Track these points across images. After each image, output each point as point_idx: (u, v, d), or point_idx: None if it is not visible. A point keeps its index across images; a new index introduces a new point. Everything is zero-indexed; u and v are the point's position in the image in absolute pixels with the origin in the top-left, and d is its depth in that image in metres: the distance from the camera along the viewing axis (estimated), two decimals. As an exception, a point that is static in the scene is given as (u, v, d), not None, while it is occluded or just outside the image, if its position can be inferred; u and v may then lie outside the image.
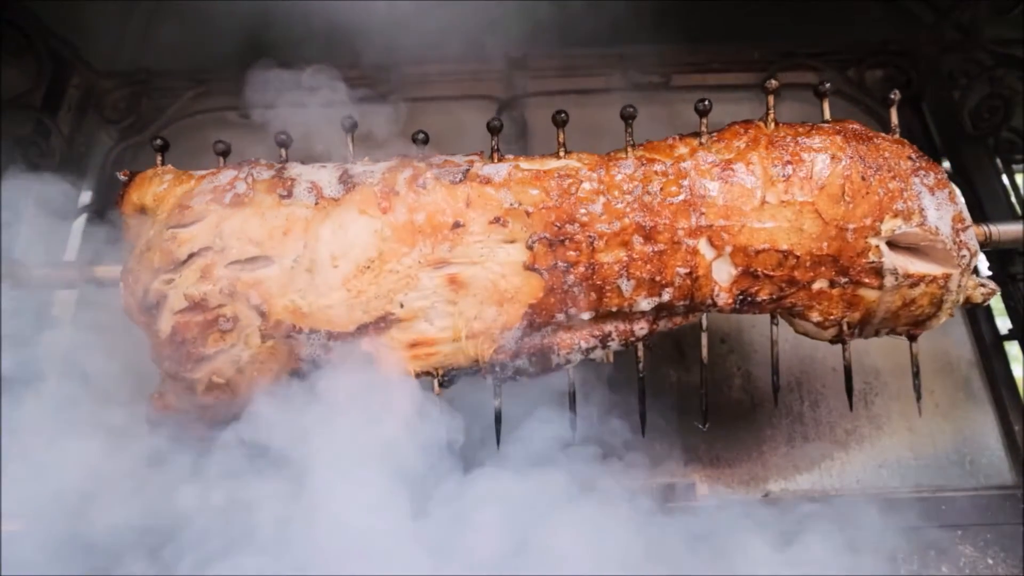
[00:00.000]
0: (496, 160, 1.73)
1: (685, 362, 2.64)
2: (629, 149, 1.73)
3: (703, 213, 1.65)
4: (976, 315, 2.66)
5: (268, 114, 2.25)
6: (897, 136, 1.78)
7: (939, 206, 1.68)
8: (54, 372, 1.98)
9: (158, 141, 1.83)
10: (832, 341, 1.82)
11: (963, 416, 2.53)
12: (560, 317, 1.69)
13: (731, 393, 2.60)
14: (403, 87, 3.07)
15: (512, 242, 1.65)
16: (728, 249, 1.66)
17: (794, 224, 1.65)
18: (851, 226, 1.65)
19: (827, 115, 1.80)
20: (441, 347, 1.70)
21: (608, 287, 1.66)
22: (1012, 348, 2.59)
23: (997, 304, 2.57)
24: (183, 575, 1.62)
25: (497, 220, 1.64)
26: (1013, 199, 2.67)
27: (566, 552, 1.65)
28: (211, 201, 1.66)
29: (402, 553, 1.56)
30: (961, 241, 1.69)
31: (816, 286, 1.70)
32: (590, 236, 1.64)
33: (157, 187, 1.73)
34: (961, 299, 1.76)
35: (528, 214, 1.64)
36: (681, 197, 1.66)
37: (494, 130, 1.76)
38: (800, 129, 1.72)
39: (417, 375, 1.73)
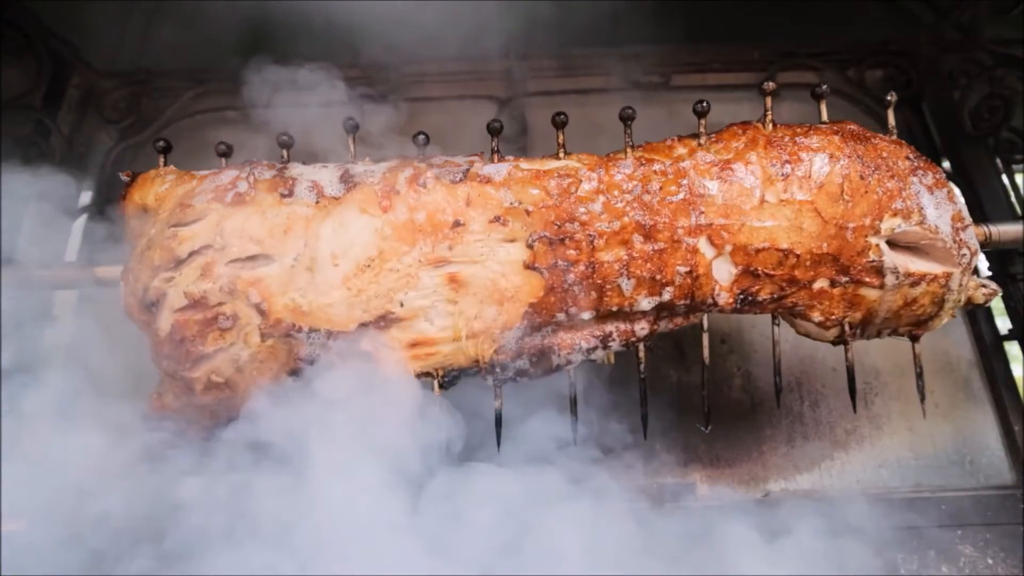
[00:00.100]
0: (496, 160, 1.74)
1: (685, 362, 2.64)
2: (628, 150, 1.74)
3: (702, 212, 1.65)
4: (976, 315, 2.67)
5: (267, 113, 2.25)
6: (895, 137, 1.78)
7: (938, 205, 1.68)
8: (54, 372, 1.98)
9: (160, 143, 1.83)
10: (834, 342, 1.82)
11: (963, 416, 2.54)
12: (561, 316, 1.69)
13: (731, 393, 2.61)
14: (403, 86, 3.07)
15: (512, 241, 1.65)
16: (728, 248, 1.66)
17: (794, 223, 1.66)
18: (851, 225, 1.65)
19: (824, 116, 1.80)
20: (441, 347, 1.70)
21: (608, 286, 1.66)
22: (1012, 348, 2.59)
23: (997, 304, 2.57)
24: (183, 575, 1.61)
25: (497, 219, 1.64)
26: (1013, 199, 2.68)
27: (566, 552, 1.65)
28: (212, 200, 1.66)
29: (402, 553, 1.56)
30: (961, 240, 1.69)
31: (817, 285, 1.71)
32: (590, 235, 1.64)
33: (159, 187, 1.74)
34: (963, 299, 1.77)
35: (528, 213, 1.64)
36: (680, 196, 1.66)
37: (494, 131, 1.76)
38: (798, 129, 1.73)
39: (417, 376, 1.72)
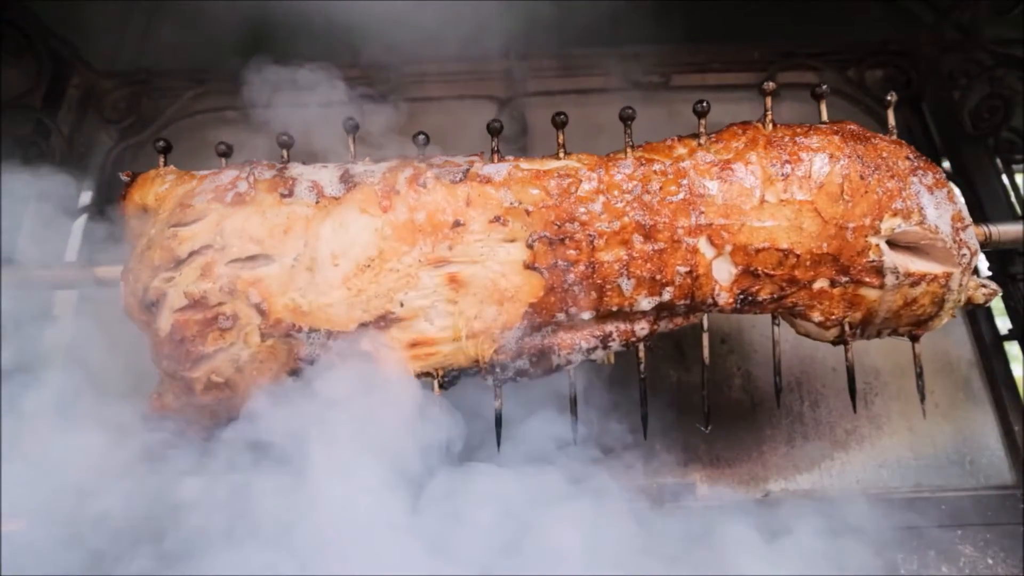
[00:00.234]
0: (496, 160, 1.74)
1: (685, 362, 2.64)
2: (628, 150, 1.74)
3: (702, 212, 1.65)
4: (976, 315, 2.67)
5: (267, 113, 2.25)
6: (895, 137, 1.78)
7: (938, 205, 1.68)
8: (54, 372, 1.98)
9: (161, 143, 1.83)
10: (834, 342, 1.82)
11: (963, 416, 2.53)
12: (561, 316, 1.69)
13: (731, 393, 2.61)
14: (403, 86, 3.07)
15: (512, 241, 1.65)
16: (728, 248, 1.66)
17: (794, 223, 1.66)
18: (851, 225, 1.65)
19: (824, 116, 1.80)
20: (441, 347, 1.70)
21: (608, 286, 1.66)
22: (1012, 348, 2.59)
23: (997, 304, 2.57)
24: (183, 575, 1.61)
25: (497, 219, 1.64)
26: (1013, 199, 2.68)
27: (566, 552, 1.65)
28: (212, 200, 1.66)
29: (402, 553, 1.56)
30: (961, 240, 1.69)
31: (817, 285, 1.71)
32: (590, 235, 1.64)
33: (159, 187, 1.74)
34: (963, 299, 1.77)
35: (528, 213, 1.64)
36: (680, 196, 1.66)
37: (494, 131, 1.76)
38: (798, 130, 1.73)
39: (417, 376, 1.72)
